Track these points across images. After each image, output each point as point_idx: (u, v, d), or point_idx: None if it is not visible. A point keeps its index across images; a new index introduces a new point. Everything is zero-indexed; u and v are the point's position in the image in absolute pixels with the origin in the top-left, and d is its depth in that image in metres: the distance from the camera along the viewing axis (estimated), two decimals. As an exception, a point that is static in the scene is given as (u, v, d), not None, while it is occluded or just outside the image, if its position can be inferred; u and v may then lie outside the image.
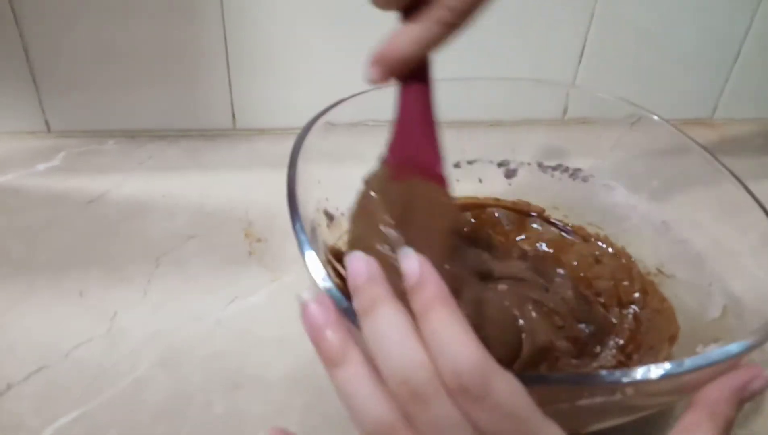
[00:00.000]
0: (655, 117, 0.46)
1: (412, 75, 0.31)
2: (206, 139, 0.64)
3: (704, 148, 0.42)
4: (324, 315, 0.26)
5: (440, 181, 0.32)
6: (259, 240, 0.52)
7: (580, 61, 0.65)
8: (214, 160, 0.61)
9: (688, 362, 0.26)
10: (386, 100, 0.47)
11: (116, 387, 0.40)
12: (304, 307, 0.26)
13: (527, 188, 0.50)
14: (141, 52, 0.59)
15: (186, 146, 0.63)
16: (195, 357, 0.42)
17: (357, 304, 0.25)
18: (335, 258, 0.37)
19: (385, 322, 0.24)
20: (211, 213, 0.55)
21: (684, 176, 0.45)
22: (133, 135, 0.63)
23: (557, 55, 0.65)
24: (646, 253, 0.45)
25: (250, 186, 0.58)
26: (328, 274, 0.34)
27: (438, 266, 0.25)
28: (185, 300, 0.46)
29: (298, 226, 0.29)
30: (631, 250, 0.46)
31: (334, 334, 0.26)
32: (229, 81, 0.62)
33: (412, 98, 0.31)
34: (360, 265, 0.25)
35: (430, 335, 0.23)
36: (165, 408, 0.39)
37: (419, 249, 0.26)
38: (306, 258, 0.28)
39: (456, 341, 0.23)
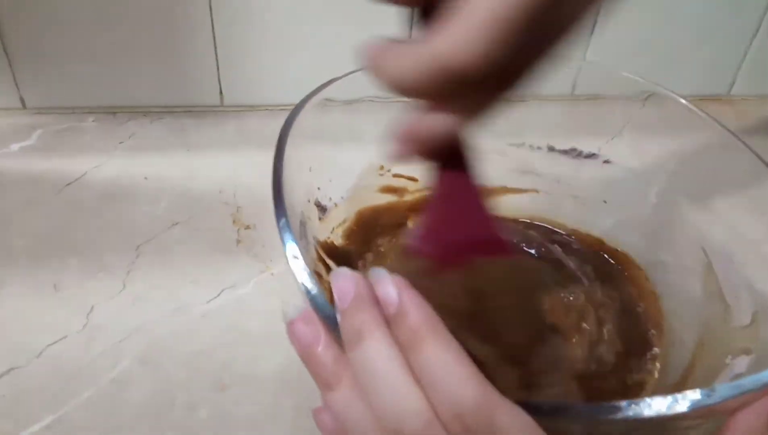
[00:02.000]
0: (669, 93, 0.42)
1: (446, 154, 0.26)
2: (192, 116, 0.60)
3: (724, 126, 0.39)
4: (313, 333, 0.23)
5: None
6: (247, 227, 0.49)
7: (591, 35, 0.61)
8: (201, 138, 0.58)
9: (720, 391, 0.24)
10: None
11: (93, 388, 0.38)
12: (290, 326, 0.24)
13: (535, 174, 0.47)
14: (121, 24, 0.55)
15: (170, 124, 0.59)
16: (178, 354, 0.40)
17: (343, 333, 0.22)
18: (327, 254, 0.34)
19: (373, 357, 0.21)
20: (196, 197, 0.51)
21: (702, 158, 0.42)
22: (113, 112, 0.60)
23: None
24: (661, 247, 0.42)
25: (239, 167, 0.54)
26: (319, 275, 0.31)
27: None
28: (168, 292, 0.43)
29: (283, 222, 0.26)
30: (645, 242, 0.43)
31: (325, 354, 0.23)
32: (216, 53, 0.58)
33: (451, 180, 0.27)
34: (346, 284, 0.22)
35: (422, 371, 0.21)
36: (146, 410, 0.37)
37: None
38: (290, 262, 0.25)
39: (452, 376, 0.20)
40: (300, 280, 0.25)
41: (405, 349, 0.21)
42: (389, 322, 0.22)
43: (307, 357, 0.24)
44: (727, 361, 0.31)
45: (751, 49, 0.64)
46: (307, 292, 0.25)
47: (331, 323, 0.24)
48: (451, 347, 0.21)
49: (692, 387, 0.33)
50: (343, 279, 0.23)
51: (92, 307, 0.42)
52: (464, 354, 0.21)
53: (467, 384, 0.20)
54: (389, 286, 0.22)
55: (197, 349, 0.40)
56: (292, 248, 0.26)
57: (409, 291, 0.22)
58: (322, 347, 0.23)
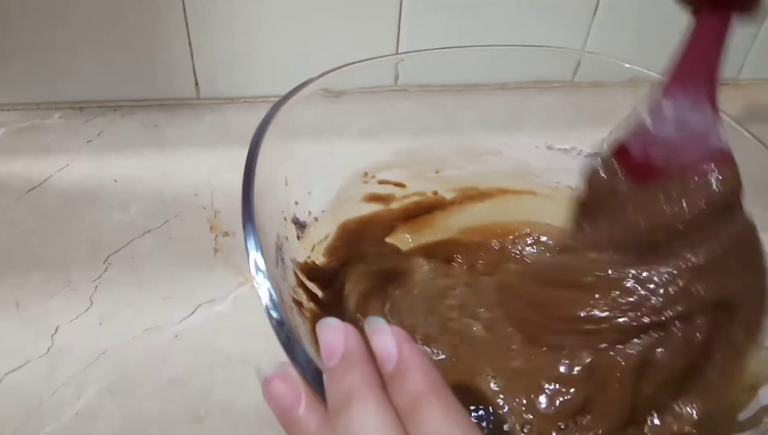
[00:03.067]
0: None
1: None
2: (165, 110, 0.56)
3: (733, 118, 0.35)
4: (292, 394, 0.20)
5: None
6: (226, 233, 0.45)
7: (591, 23, 0.57)
8: (175, 135, 0.54)
9: None
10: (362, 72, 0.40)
11: (57, 422, 0.34)
12: (266, 385, 0.21)
13: (533, 175, 0.44)
14: (88, 12, 0.51)
15: (142, 119, 0.55)
16: (150, 381, 0.36)
17: (328, 397, 0.19)
18: (308, 276, 0.31)
19: (362, 426, 0.18)
20: (170, 201, 0.48)
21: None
22: (81, 106, 0.55)
23: (567, 17, 0.57)
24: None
25: (217, 166, 0.51)
26: (299, 304, 0.28)
27: None
28: (138, 310, 0.40)
29: (254, 252, 0.23)
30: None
31: (307, 416, 0.20)
32: (189, 41, 0.54)
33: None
34: (334, 338, 0.19)
35: None
36: (114, 447, 0.33)
37: None
38: (263, 302, 0.22)
39: None
40: (264, 303, 0.22)
41: (403, 414, 0.19)
42: (386, 380, 0.19)
43: (286, 421, 0.21)
44: (760, 393, 0.28)
45: (760, 31, 0.61)
46: (271, 319, 0.22)
47: (305, 370, 0.21)
48: (455, 412, 0.18)
49: (710, 416, 0.30)
50: (331, 332, 0.20)
51: (57, 328, 0.39)
52: (469, 420, 0.18)
53: None
54: (388, 338, 0.19)
55: (170, 376, 0.37)
56: (258, 264, 0.23)
57: (411, 345, 0.19)
58: (303, 409, 0.20)
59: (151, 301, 0.40)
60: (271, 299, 0.22)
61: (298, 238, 0.31)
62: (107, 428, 0.34)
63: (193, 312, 0.40)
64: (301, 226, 0.31)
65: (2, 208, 0.46)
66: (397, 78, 0.49)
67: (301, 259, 0.31)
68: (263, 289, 0.23)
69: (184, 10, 0.52)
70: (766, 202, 0.35)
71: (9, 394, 0.36)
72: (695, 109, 0.28)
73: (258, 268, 0.23)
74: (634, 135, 0.30)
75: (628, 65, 0.40)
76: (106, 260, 0.43)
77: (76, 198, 0.47)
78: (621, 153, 0.30)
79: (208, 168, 0.51)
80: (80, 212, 0.46)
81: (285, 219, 0.30)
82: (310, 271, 0.31)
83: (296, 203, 0.31)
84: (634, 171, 0.30)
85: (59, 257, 0.43)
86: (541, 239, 0.40)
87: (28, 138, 0.53)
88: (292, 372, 0.21)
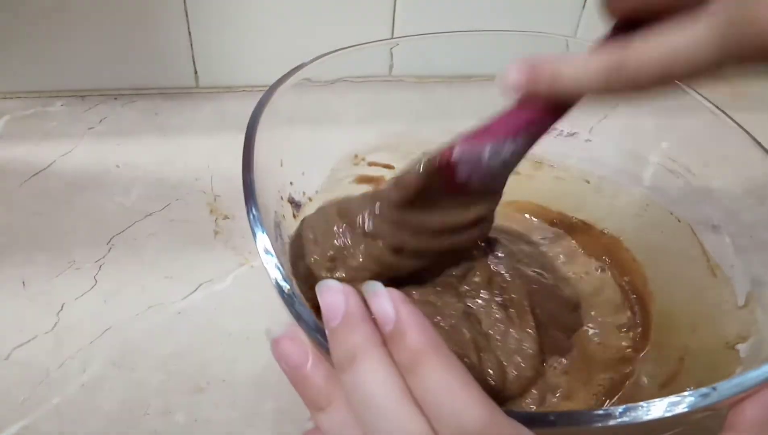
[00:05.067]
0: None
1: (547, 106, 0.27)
2: (166, 98, 0.58)
3: (715, 105, 0.37)
4: (300, 353, 0.22)
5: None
6: (225, 217, 0.47)
7: (583, 8, 0.59)
8: (175, 122, 0.55)
9: (721, 390, 0.23)
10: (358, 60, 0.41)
11: (64, 393, 0.36)
12: (275, 345, 0.22)
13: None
14: (89, 2, 0.52)
15: (142, 107, 0.56)
16: (152, 356, 0.38)
17: (333, 355, 0.20)
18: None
19: (367, 381, 0.20)
20: (171, 185, 0.49)
21: (694, 138, 0.41)
22: (82, 95, 0.57)
23: (558, 4, 0.59)
24: (654, 228, 0.41)
25: (217, 153, 0.52)
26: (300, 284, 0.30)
27: None
28: (141, 288, 0.41)
29: (260, 233, 0.24)
30: (633, 223, 0.42)
31: (314, 373, 0.22)
32: (189, 31, 0.55)
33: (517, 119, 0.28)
34: (335, 299, 0.20)
35: (423, 394, 0.19)
36: (118, 417, 0.35)
37: None
38: (264, 261, 0.23)
39: (456, 399, 0.19)
40: (273, 277, 0.24)
41: (404, 370, 0.20)
42: (386, 340, 0.20)
43: (294, 378, 0.22)
44: (725, 346, 0.29)
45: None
46: (281, 292, 0.24)
47: (313, 332, 0.22)
48: (454, 367, 0.20)
49: (689, 375, 0.32)
50: (331, 293, 0.21)
51: (62, 305, 0.40)
52: (467, 374, 0.20)
53: (472, 406, 0.19)
54: (385, 301, 0.20)
55: (172, 350, 0.38)
56: (264, 243, 0.24)
57: (408, 307, 0.20)
58: (311, 366, 0.22)
59: (154, 280, 0.42)
60: (280, 271, 0.23)
61: (294, 216, 0.33)
62: (111, 399, 0.36)
63: (194, 290, 0.41)
64: (296, 205, 0.33)
65: (7, 192, 0.48)
66: (391, 67, 0.51)
67: (297, 236, 0.32)
68: (271, 263, 0.24)
69: (184, 1, 0.53)
70: (743, 179, 0.37)
71: (17, 367, 0.37)
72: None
73: (264, 245, 0.24)
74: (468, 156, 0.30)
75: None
76: (109, 242, 0.44)
77: (79, 182, 0.49)
78: (448, 163, 0.30)
79: (208, 154, 0.52)
80: (83, 196, 0.48)
81: (281, 198, 0.32)
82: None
83: (291, 183, 0.33)
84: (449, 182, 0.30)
85: (63, 238, 0.44)
86: (525, 216, 0.42)
87: (31, 125, 0.54)
88: (299, 333, 0.22)
